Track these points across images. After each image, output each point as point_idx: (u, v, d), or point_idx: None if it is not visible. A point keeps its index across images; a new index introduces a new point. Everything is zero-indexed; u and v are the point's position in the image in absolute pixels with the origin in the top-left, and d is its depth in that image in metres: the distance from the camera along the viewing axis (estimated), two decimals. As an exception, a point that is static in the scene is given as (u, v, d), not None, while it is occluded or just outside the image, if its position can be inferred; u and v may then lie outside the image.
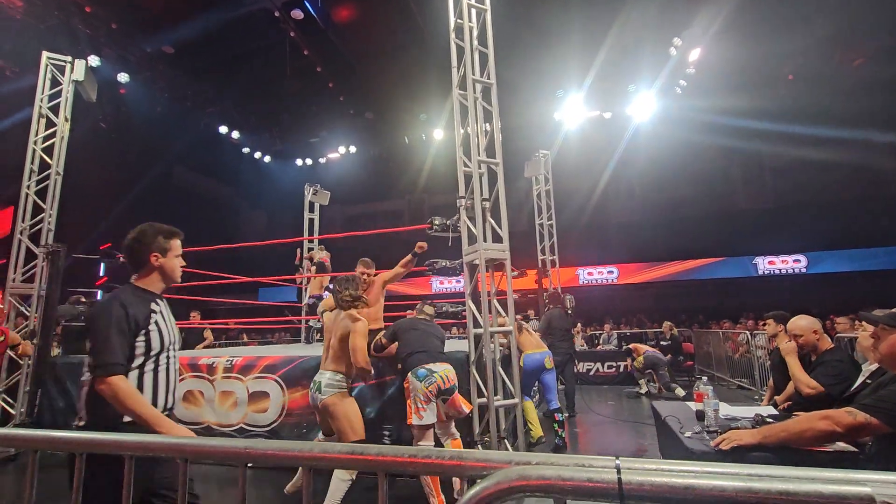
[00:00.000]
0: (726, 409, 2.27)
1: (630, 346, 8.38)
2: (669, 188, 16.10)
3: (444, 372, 2.93)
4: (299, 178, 15.37)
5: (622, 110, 14.21)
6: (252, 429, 4.21)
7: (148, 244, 1.86)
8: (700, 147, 15.05)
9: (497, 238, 3.78)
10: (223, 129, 14.95)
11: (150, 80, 12.59)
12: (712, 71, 12.77)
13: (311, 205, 9.02)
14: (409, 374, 2.87)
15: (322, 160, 17.50)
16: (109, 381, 1.63)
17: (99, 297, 6.63)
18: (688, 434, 1.97)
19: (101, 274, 13.46)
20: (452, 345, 5.12)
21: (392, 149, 17.02)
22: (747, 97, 13.33)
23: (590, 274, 17.22)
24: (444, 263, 4.30)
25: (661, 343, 9.22)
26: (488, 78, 4.03)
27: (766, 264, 15.30)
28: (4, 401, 5.12)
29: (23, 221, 5.50)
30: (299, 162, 17.72)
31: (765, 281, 15.06)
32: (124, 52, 11.51)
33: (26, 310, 5.39)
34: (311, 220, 8.97)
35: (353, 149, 16.61)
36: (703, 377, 2.80)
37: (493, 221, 3.84)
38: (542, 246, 9.22)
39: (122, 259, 5.92)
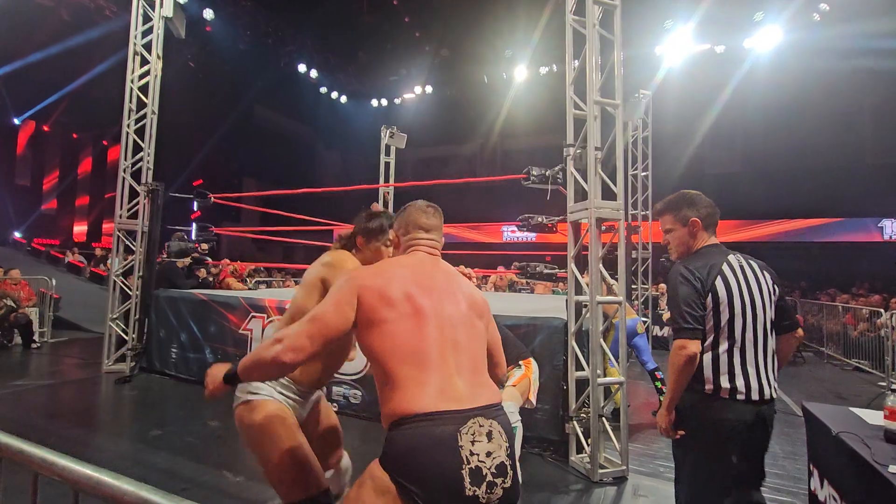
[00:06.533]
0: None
1: None
2: (781, 136, 14.03)
3: None
4: (374, 119, 15.11)
5: (738, 43, 12.21)
6: (341, 376, 4.22)
7: None
8: (826, 88, 12.79)
9: (609, 194, 3.26)
10: (302, 68, 14.86)
11: (233, 16, 12.58)
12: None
13: (388, 148, 8.73)
14: (533, 361, 2.61)
15: (397, 100, 17.04)
16: None
17: (193, 233, 6.90)
18: (894, 470, 1.52)
19: (195, 209, 14.38)
20: (541, 304, 4.75)
21: (469, 89, 16.12)
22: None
23: (675, 230, 15.83)
24: (540, 219, 3.87)
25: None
26: (612, -1, 3.33)
27: (896, 228, 13.24)
28: (119, 327, 5.59)
29: (125, 160, 5.72)
30: (375, 102, 17.41)
31: (893, 247, 13.07)
32: (208, -14, 11.47)
33: (131, 244, 5.72)
34: (388, 164, 8.72)
35: (428, 89, 15.93)
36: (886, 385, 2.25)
37: (603, 174, 3.31)
38: (633, 199, 8.39)
39: (212, 199, 6.01)
